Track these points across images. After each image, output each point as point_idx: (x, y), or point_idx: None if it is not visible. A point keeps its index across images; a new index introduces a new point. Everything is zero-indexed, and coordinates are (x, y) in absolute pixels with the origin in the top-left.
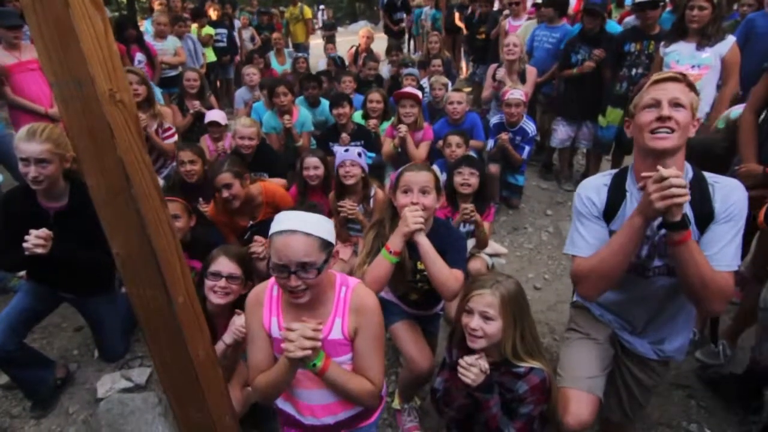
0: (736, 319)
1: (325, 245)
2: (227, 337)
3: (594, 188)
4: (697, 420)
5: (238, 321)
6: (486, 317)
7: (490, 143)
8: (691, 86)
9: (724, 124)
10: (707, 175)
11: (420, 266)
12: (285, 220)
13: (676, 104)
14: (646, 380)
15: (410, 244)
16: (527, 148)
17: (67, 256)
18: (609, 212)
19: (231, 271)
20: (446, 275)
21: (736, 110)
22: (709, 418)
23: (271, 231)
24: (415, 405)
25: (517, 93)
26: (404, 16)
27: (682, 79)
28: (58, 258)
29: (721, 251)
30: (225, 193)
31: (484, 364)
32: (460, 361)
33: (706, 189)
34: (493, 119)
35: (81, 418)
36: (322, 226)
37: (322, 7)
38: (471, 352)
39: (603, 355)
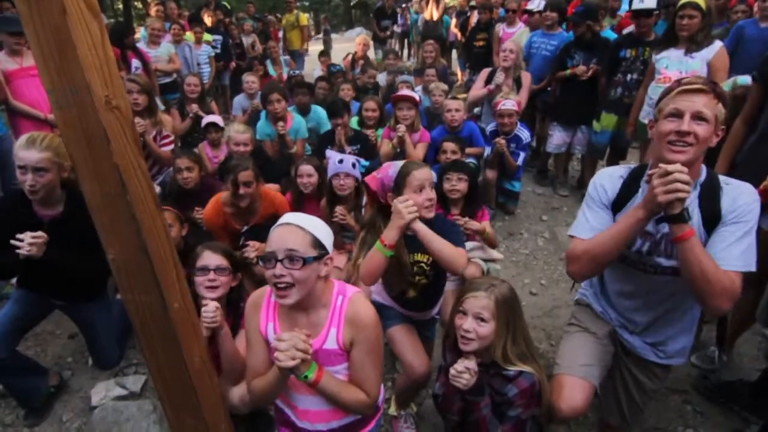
0: (731, 324)
1: (318, 244)
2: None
3: (609, 177)
4: (693, 425)
5: (204, 312)
6: (480, 319)
7: (487, 150)
8: (721, 97)
9: (730, 88)
10: (721, 178)
11: (418, 258)
12: (285, 217)
13: (699, 118)
14: (646, 383)
15: (407, 238)
16: (522, 155)
17: (59, 262)
18: (618, 203)
19: (218, 263)
20: (451, 250)
21: (743, 78)
22: (704, 422)
23: (270, 231)
24: (412, 411)
25: (509, 103)
26: (390, 23)
27: (710, 90)
28: (50, 264)
29: (725, 250)
30: (242, 190)
31: (473, 366)
32: (451, 369)
33: (717, 191)
34: (489, 127)
35: (75, 426)
36: (319, 226)
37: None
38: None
39: (600, 348)
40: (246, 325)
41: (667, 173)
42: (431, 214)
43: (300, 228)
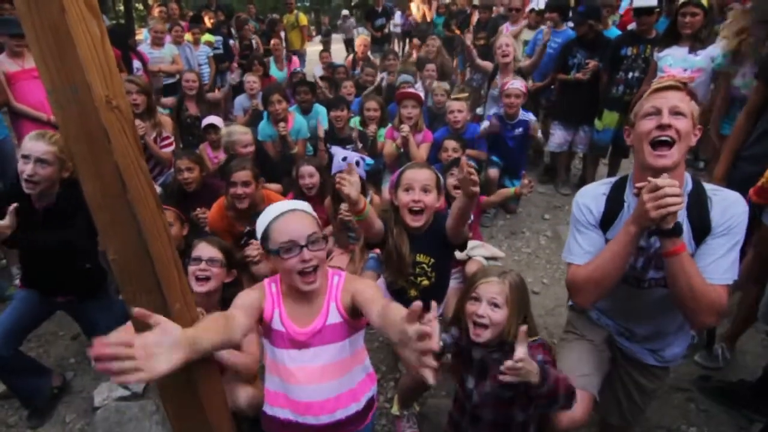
0: (734, 322)
1: (319, 226)
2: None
3: (592, 197)
4: (697, 423)
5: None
6: (494, 304)
7: (485, 124)
8: (692, 95)
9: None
10: (707, 186)
11: (419, 259)
12: (278, 206)
13: (676, 112)
14: (646, 384)
15: (412, 238)
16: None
17: (53, 242)
18: (606, 222)
19: (211, 255)
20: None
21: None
22: (708, 421)
23: (264, 221)
24: (414, 411)
25: (517, 83)
26: (385, 21)
27: (682, 87)
28: (46, 244)
29: (714, 263)
30: (240, 190)
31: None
32: (511, 359)
33: (705, 201)
34: (491, 110)
35: (78, 427)
36: (311, 209)
37: None
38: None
39: (598, 355)
40: (241, 295)
41: (657, 188)
42: (415, 223)
43: (306, 212)
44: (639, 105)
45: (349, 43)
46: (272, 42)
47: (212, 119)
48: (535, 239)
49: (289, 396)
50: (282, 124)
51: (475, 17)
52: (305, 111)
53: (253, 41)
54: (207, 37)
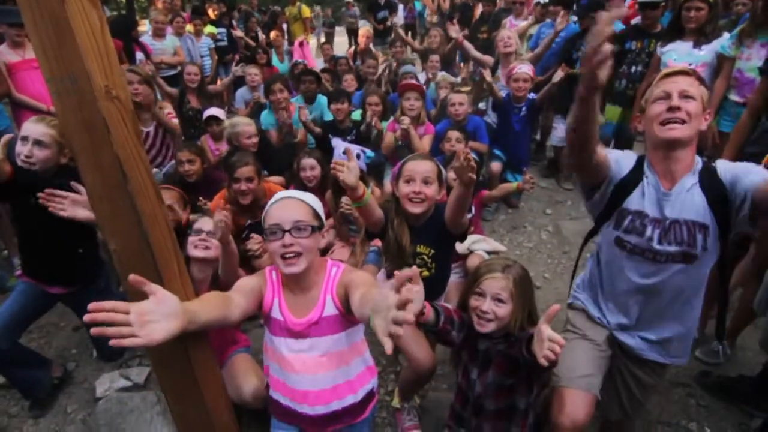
0: (735, 318)
1: (317, 216)
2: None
3: (623, 155)
4: (697, 418)
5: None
6: (499, 300)
7: (503, 93)
8: (701, 80)
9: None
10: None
11: (420, 250)
12: (282, 192)
13: (686, 96)
14: (645, 379)
15: (411, 228)
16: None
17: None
18: (624, 186)
19: (212, 228)
20: None
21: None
22: (708, 416)
23: (267, 206)
24: (415, 404)
25: (525, 67)
26: (388, 14)
27: (691, 73)
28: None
29: (756, 172)
30: (243, 186)
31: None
32: (548, 344)
33: (714, 170)
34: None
35: (80, 418)
36: (313, 200)
37: None
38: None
39: (600, 354)
40: (243, 280)
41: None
42: (415, 209)
43: (301, 200)
44: (649, 91)
45: (351, 33)
46: (273, 34)
47: (214, 111)
48: (536, 234)
49: (288, 384)
50: (285, 113)
51: (479, 10)
52: (309, 100)
53: (259, 33)
54: (210, 28)
